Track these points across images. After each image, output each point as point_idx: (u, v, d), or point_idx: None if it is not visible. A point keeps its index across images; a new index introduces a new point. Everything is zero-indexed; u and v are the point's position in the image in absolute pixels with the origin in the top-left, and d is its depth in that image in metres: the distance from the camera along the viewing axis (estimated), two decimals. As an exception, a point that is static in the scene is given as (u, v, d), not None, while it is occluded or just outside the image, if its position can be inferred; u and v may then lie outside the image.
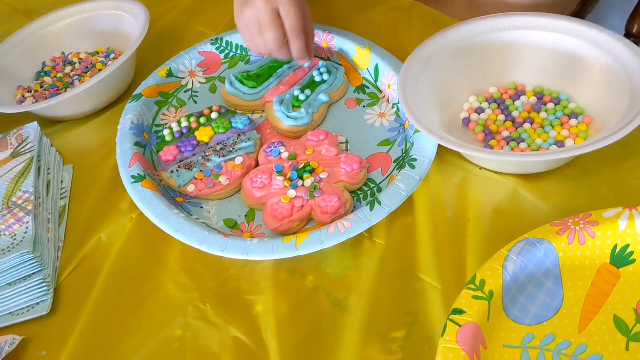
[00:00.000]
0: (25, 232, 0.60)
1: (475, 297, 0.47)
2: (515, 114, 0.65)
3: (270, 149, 0.66)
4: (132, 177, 0.64)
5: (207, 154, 0.67)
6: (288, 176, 0.62)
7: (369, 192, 0.63)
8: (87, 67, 0.84)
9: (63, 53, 0.88)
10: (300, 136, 0.69)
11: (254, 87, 0.74)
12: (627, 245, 0.49)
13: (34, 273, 0.59)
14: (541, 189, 0.59)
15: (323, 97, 0.71)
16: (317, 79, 0.73)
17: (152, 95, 0.76)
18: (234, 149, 0.67)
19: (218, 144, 0.68)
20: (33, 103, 0.79)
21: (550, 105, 0.65)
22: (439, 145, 0.61)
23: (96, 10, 0.88)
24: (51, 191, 0.68)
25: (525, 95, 0.67)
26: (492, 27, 0.68)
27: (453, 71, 0.67)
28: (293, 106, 0.71)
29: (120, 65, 0.75)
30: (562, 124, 0.63)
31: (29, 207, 0.62)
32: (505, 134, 0.63)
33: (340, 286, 0.56)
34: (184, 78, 0.79)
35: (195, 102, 0.77)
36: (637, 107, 0.55)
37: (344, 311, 0.54)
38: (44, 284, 0.59)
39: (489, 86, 0.69)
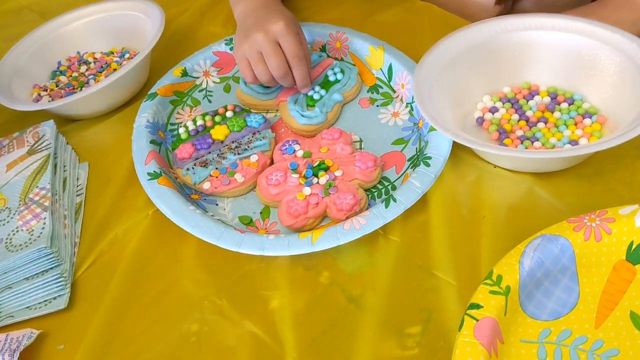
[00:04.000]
0: (43, 228, 0.60)
1: (492, 292, 0.47)
2: (529, 113, 0.65)
3: (285, 147, 0.67)
4: (148, 174, 0.65)
5: (223, 151, 0.68)
6: (303, 174, 0.63)
7: (383, 190, 0.63)
8: (102, 67, 0.85)
9: (78, 53, 0.89)
10: (314, 135, 0.70)
11: (268, 87, 0.75)
12: (643, 243, 0.49)
13: (51, 268, 0.60)
14: (556, 187, 0.59)
15: (337, 96, 0.72)
16: (331, 78, 0.74)
17: (167, 94, 0.76)
18: (249, 147, 0.68)
19: (233, 142, 0.69)
20: (49, 101, 0.80)
21: (564, 105, 0.65)
22: (453, 144, 0.61)
23: (111, 11, 0.89)
24: (67, 188, 0.69)
25: (538, 95, 0.67)
26: (505, 27, 0.68)
27: (467, 71, 0.68)
28: (307, 105, 0.71)
29: (136, 64, 0.75)
30: (575, 124, 0.63)
31: (46, 203, 0.63)
32: (519, 132, 0.64)
33: (355, 282, 0.56)
34: (198, 77, 0.80)
35: (210, 101, 0.78)
36: (652, 106, 0.56)
37: (359, 307, 0.54)
38: (61, 279, 0.59)
39: (502, 86, 0.69)
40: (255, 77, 0.70)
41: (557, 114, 0.65)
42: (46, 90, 0.83)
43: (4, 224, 0.62)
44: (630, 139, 0.53)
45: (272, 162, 0.67)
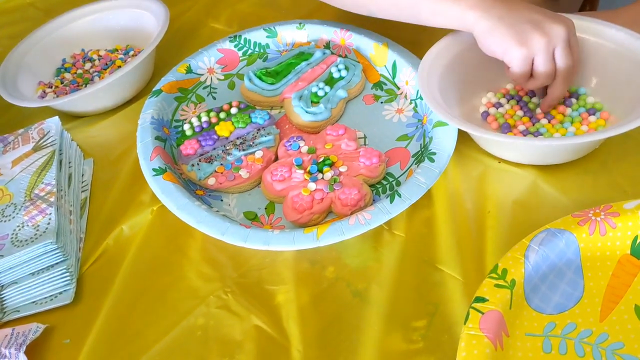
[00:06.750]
0: (48, 223, 0.61)
1: (497, 286, 0.47)
2: (533, 109, 0.66)
3: (289, 143, 0.67)
4: (154, 169, 0.65)
5: (227, 147, 0.68)
6: (308, 169, 0.63)
7: (387, 186, 0.63)
8: (107, 64, 0.85)
9: (82, 50, 0.89)
10: (318, 131, 0.70)
11: (272, 83, 0.75)
12: (648, 237, 0.50)
13: (57, 263, 0.60)
14: (560, 181, 0.59)
15: (341, 93, 0.72)
16: (335, 75, 0.74)
17: (172, 91, 0.76)
18: (253, 143, 0.68)
19: (238, 138, 0.69)
20: (54, 98, 0.80)
21: (569, 102, 0.65)
22: (457, 140, 0.61)
23: (115, 8, 0.89)
24: (72, 184, 0.69)
25: (542, 91, 0.67)
26: (509, 24, 0.68)
27: (470, 68, 0.68)
28: (312, 102, 0.72)
29: (141, 61, 0.76)
30: (580, 120, 0.63)
31: (51, 199, 0.63)
32: (522, 127, 0.64)
33: (360, 277, 0.56)
34: (202, 74, 0.80)
35: (214, 98, 0.78)
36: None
37: (364, 301, 0.54)
38: (67, 274, 0.60)
39: (505, 82, 0.69)
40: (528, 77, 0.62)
41: (561, 109, 0.65)
42: (51, 87, 0.83)
43: (9, 220, 0.62)
44: (637, 126, 0.53)
45: (276, 158, 0.68)
